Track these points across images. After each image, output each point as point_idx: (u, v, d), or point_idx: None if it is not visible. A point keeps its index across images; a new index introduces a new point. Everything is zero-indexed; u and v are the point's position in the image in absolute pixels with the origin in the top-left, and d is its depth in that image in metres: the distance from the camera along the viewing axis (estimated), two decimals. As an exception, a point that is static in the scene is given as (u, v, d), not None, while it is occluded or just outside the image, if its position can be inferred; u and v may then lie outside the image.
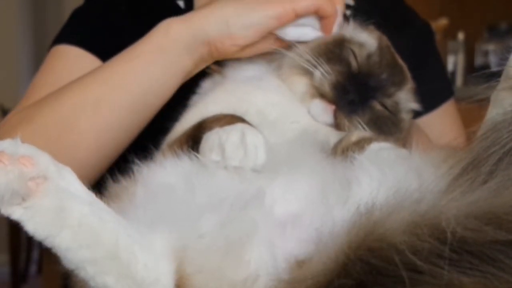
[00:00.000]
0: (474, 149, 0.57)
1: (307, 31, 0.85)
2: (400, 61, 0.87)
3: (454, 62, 3.41)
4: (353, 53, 0.83)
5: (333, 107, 0.79)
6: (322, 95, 0.80)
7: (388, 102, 0.82)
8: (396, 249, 0.48)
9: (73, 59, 0.99)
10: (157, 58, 0.84)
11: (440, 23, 3.15)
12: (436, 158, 0.66)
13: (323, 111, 0.80)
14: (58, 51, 1.03)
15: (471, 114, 0.68)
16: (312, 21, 0.85)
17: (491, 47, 3.30)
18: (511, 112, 0.58)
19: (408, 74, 0.87)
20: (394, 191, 0.55)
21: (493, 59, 3.21)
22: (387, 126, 0.82)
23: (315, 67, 0.81)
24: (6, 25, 4.46)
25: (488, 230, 0.46)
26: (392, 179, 0.61)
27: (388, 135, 0.81)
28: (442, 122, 1.12)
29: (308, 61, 0.82)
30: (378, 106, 0.81)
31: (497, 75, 0.65)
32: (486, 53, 3.33)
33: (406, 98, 0.85)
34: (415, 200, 0.53)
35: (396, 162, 0.66)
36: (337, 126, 0.80)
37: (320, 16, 0.84)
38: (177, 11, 1.05)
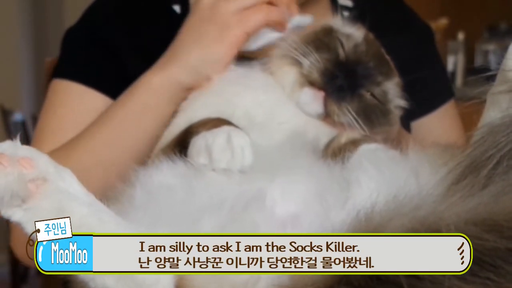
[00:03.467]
0: (472, 152, 0.57)
1: (266, 35, 0.88)
2: (386, 55, 0.88)
3: (454, 62, 3.41)
4: (341, 42, 0.83)
5: (322, 94, 0.79)
6: (311, 83, 0.80)
7: (377, 90, 0.82)
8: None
9: (76, 99, 1.03)
10: (145, 114, 0.90)
11: (440, 23, 3.16)
12: (434, 158, 0.66)
13: (312, 99, 0.80)
14: (60, 88, 1.05)
15: (471, 117, 0.68)
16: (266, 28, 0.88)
17: (491, 47, 3.30)
18: (508, 116, 0.58)
19: (394, 69, 0.87)
20: (393, 196, 0.56)
21: (493, 59, 3.21)
22: (376, 115, 0.82)
23: (304, 56, 0.81)
24: (7, 25, 4.46)
25: (489, 238, 0.46)
26: (391, 180, 0.61)
27: (377, 126, 0.81)
28: (441, 123, 1.12)
29: (297, 49, 0.82)
30: (367, 95, 0.81)
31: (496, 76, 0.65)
32: (486, 53, 3.33)
33: (394, 91, 0.85)
34: (414, 206, 0.53)
35: (392, 162, 0.66)
36: (326, 114, 0.80)
37: (272, 25, 0.87)
38: (173, 17, 1.06)
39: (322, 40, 0.83)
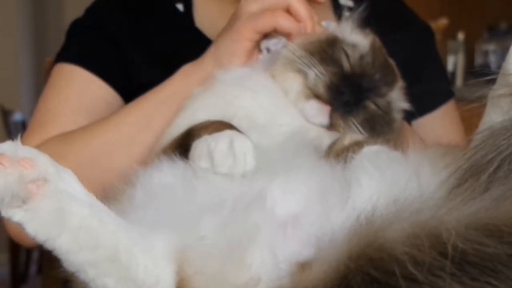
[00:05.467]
0: (472, 156, 0.57)
1: (277, 44, 0.89)
2: (390, 60, 0.88)
3: (454, 62, 3.41)
4: (346, 53, 0.83)
5: (329, 108, 0.79)
6: (316, 96, 0.80)
7: (381, 102, 0.82)
8: (397, 260, 0.48)
9: (81, 83, 1.03)
10: (179, 102, 0.89)
11: (440, 23, 3.15)
12: (435, 160, 0.66)
13: (318, 112, 0.80)
14: (65, 71, 1.05)
15: (471, 120, 0.67)
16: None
17: (491, 47, 3.30)
18: (509, 119, 0.58)
19: (397, 73, 0.87)
20: (394, 200, 0.55)
21: (493, 59, 3.21)
22: (380, 126, 0.82)
23: (309, 67, 0.81)
24: (7, 26, 4.46)
25: (489, 243, 0.46)
26: (392, 182, 0.61)
27: (381, 135, 0.81)
28: (441, 123, 1.12)
29: (301, 59, 0.82)
30: (371, 106, 0.81)
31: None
32: (486, 53, 3.33)
33: (397, 98, 0.85)
34: (415, 209, 0.53)
35: (394, 163, 0.66)
36: (331, 127, 0.80)
37: (283, 33, 0.88)
38: (177, 15, 1.06)
39: (327, 51, 0.83)
